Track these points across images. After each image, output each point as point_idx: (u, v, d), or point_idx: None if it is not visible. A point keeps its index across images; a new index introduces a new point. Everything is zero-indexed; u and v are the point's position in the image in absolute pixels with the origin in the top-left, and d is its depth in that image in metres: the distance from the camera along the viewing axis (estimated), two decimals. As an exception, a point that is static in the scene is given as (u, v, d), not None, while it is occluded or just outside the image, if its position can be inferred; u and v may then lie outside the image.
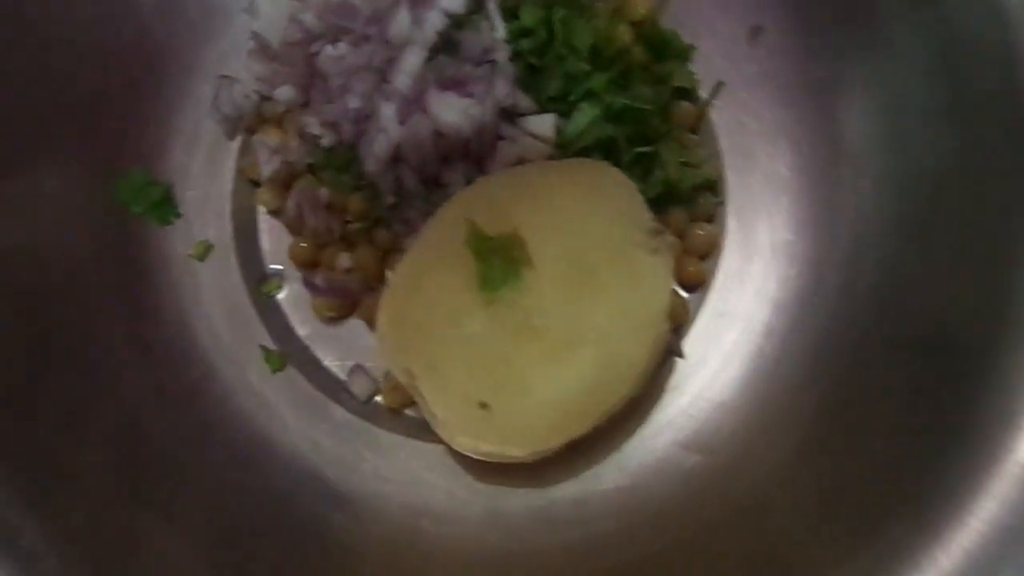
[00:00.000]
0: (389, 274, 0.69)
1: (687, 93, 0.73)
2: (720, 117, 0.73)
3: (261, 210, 0.73)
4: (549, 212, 0.59)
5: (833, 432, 0.61)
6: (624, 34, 0.71)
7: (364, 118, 0.67)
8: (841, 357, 0.63)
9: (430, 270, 0.60)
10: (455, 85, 0.66)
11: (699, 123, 0.73)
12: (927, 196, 0.61)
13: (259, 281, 0.72)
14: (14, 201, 0.61)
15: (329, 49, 0.67)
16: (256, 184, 0.73)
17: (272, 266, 0.73)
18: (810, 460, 0.61)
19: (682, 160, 0.70)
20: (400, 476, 0.67)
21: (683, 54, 0.73)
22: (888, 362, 0.61)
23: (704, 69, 0.73)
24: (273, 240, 0.73)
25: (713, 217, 0.72)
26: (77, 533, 0.56)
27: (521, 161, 0.67)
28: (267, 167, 0.70)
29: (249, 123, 0.73)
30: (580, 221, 0.59)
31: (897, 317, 0.61)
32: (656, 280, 0.60)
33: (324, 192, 0.69)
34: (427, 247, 0.62)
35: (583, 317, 0.58)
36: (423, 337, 0.59)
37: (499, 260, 0.57)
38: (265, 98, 0.72)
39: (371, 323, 0.71)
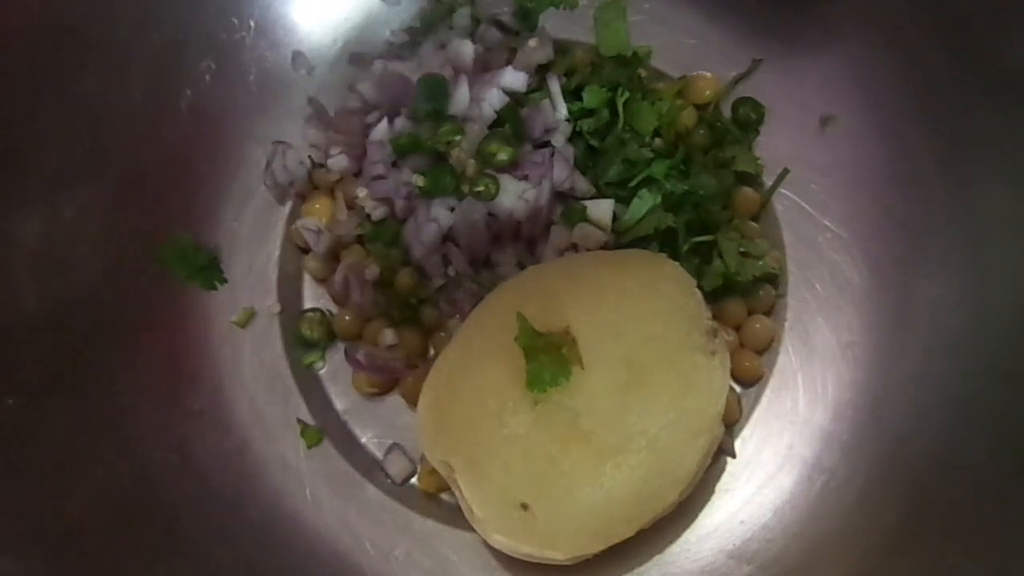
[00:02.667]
0: (433, 356, 0.68)
1: (751, 178, 0.70)
2: (784, 206, 0.70)
3: (306, 278, 0.72)
4: (603, 309, 0.57)
5: (901, 558, 0.57)
6: (687, 118, 0.69)
7: (415, 195, 0.66)
8: (908, 476, 0.59)
9: (476, 361, 0.58)
10: (511, 167, 0.64)
11: (762, 211, 0.70)
12: (1009, 314, 0.58)
13: (301, 351, 0.70)
14: (62, 257, 0.61)
15: (384, 125, 0.66)
16: (304, 251, 0.71)
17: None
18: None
19: (742, 250, 0.67)
20: (433, 565, 0.64)
21: (747, 138, 0.70)
22: (958, 489, 0.57)
23: (770, 155, 0.70)
24: (317, 309, 0.72)
25: (772, 310, 0.69)
26: None
27: (575, 246, 0.65)
28: (316, 248, 0.69)
29: (300, 189, 0.71)
30: (635, 320, 0.56)
31: (970, 442, 0.57)
32: (712, 385, 0.57)
33: (373, 269, 0.67)
34: (474, 335, 0.60)
35: (634, 422, 0.55)
36: (464, 431, 0.57)
37: (549, 359, 0.54)
38: (318, 165, 0.71)
39: (412, 401, 0.69)
